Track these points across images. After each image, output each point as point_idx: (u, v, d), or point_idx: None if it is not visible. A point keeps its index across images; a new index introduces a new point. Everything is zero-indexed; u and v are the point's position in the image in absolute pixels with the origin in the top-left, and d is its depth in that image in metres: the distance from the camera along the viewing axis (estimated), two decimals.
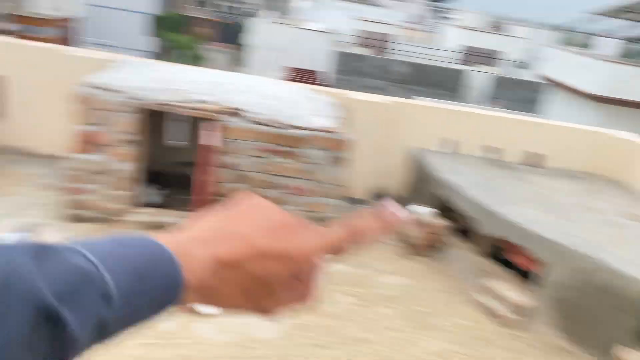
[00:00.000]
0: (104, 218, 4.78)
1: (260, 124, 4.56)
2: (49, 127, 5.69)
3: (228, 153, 4.60)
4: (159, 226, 4.79)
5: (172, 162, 5.91)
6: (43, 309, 0.34)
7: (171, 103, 4.49)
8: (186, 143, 5.81)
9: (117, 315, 0.39)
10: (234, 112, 4.54)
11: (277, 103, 4.95)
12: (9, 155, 5.86)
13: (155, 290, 0.42)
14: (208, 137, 4.26)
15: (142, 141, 4.67)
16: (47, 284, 0.35)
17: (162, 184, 5.50)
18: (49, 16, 37.24)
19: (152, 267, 0.42)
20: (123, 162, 4.61)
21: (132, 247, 0.43)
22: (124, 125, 4.51)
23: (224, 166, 4.61)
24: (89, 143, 4.55)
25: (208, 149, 4.07)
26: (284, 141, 4.61)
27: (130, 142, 4.58)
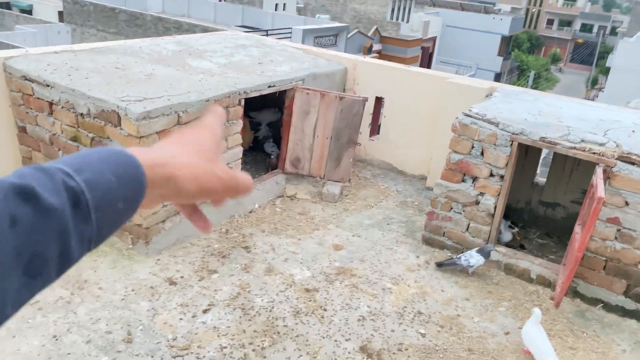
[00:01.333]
0: (457, 248, 4.68)
1: None
2: (414, 149, 5.94)
3: (615, 207, 3.90)
4: (509, 268, 4.43)
5: (532, 200, 5.45)
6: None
7: (549, 140, 4.05)
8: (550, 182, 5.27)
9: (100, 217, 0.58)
10: (627, 158, 3.80)
11: None
12: (375, 169, 6.39)
13: (127, 188, 0.60)
14: (596, 186, 3.66)
15: (510, 177, 4.36)
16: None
17: (516, 222, 5.10)
18: (409, 37, 40.63)
19: (125, 171, 0.61)
20: (489, 196, 4.41)
21: (106, 157, 0.61)
22: (496, 159, 4.29)
23: (610, 221, 3.92)
24: (460, 172, 4.50)
25: (595, 199, 3.48)
26: None
27: (500, 176, 4.33)
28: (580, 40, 67.15)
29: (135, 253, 4.25)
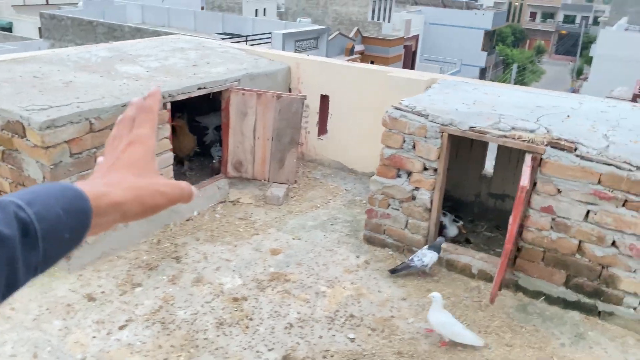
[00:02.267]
0: (398, 246, 4.52)
1: (592, 160, 3.54)
2: (363, 146, 5.78)
3: (548, 195, 3.74)
4: (450, 264, 4.27)
5: (482, 193, 5.29)
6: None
7: (478, 129, 3.89)
8: (498, 173, 5.12)
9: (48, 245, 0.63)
10: (557, 144, 3.65)
11: (627, 134, 3.82)
12: (325, 168, 6.22)
13: (74, 219, 0.65)
14: (524, 173, 3.50)
15: (444, 169, 4.20)
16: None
17: (460, 215, 4.94)
18: (390, 36, 40.61)
19: (72, 204, 0.66)
20: (424, 190, 4.24)
21: (56, 192, 0.66)
22: (428, 152, 4.13)
23: (544, 210, 3.76)
24: (393, 168, 4.33)
25: (519, 188, 3.32)
26: (628, 187, 3.48)
27: (433, 170, 4.17)
28: (563, 32, 67.23)
29: (57, 269, 4.06)
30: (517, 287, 4.08)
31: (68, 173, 3.83)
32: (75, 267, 4.08)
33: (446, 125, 4.03)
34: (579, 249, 3.76)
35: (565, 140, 3.67)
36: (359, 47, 38.33)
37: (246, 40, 25.18)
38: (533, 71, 58.21)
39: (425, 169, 4.21)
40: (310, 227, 4.97)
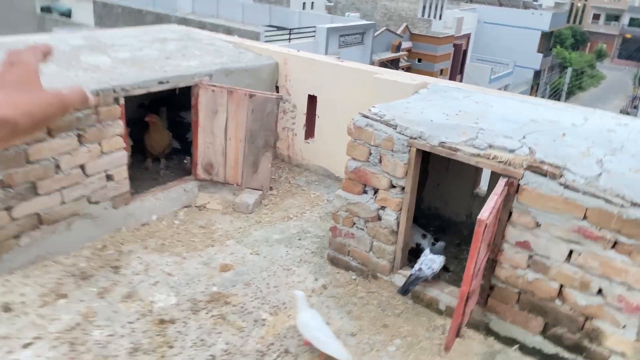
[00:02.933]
0: (362, 270, 4.00)
1: (578, 191, 2.92)
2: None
3: (524, 228, 3.14)
4: (416, 296, 3.71)
5: (473, 213, 4.68)
6: None
7: (449, 145, 3.32)
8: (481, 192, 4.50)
9: None
10: (538, 168, 3.04)
11: (628, 161, 3.16)
12: (311, 175, 5.74)
13: None
14: (491, 200, 2.92)
15: (413, 188, 3.64)
16: None
17: (448, 238, 4.37)
18: (440, 34, 39.42)
19: None
20: (390, 210, 3.70)
21: None
22: (394, 167, 3.59)
23: (520, 246, 3.17)
24: (359, 183, 3.81)
25: (481, 220, 2.75)
26: (618, 226, 2.84)
27: (401, 188, 3.62)
28: (628, 35, 63.50)
29: None
30: (488, 331, 3.49)
31: None
32: (3, 271, 3.78)
33: (414, 138, 3.48)
34: (560, 294, 3.14)
35: (549, 164, 3.05)
36: (406, 44, 37.38)
37: (289, 34, 24.82)
38: (592, 76, 55.28)
39: (393, 186, 3.67)
40: (275, 240, 4.51)
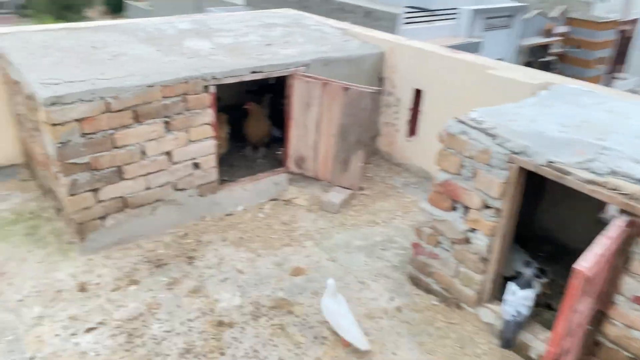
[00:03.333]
0: (445, 297, 3.52)
1: None
2: None
3: None
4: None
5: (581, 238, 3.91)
6: None
7: (558, 167, 2.71)
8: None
9: None
10: None
11: None
12: (410, 176, 5.26)
13: None
14: (599, 245, 2.31)
15: (512, 211, 3.08)
16: None
17: (544, 269, 3.70)
18: (601, 18, 35.43)
19: None
20: (481, 234, 3.18)
21: None
22: (489, 185, 3.05)
23: (637, 301, 2.51)
24: (448, 197, 3.33)
25: (574, 271, 2.17)
26: None
27: (496, 210, 3.08)
28: None
29: (74, 249, 3.94)
30: None
31: (79, 153, 3.61)
32: (88, 250, 3.91)
33: (516, 153, 2.90)
34: None
35: None
36: (561, 29, 34.08)
37: (429, 15, 23.74)
38: None
39: (487, 206, 3.13)
40: (355, 247, 4.17)
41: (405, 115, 5.16)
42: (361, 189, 4.87)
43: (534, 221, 4.19)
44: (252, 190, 4.69)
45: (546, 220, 4.20)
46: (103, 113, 3.62)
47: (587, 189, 2.63)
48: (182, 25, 5.24)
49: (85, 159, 3.66)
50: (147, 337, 3.20)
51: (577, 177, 2.66)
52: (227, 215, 4.52)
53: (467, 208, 3.24)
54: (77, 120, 3.53)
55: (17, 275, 3.68)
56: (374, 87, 4.37)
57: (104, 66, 3.94)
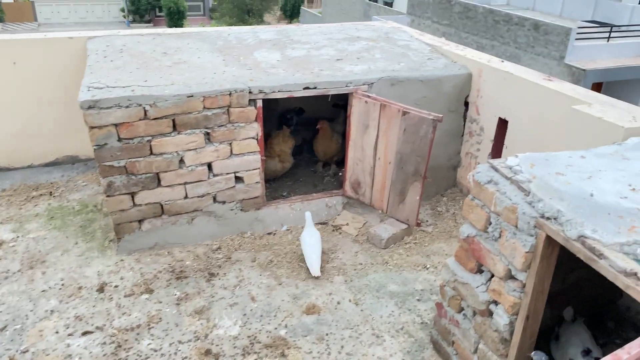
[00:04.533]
0: None
1: None
2: None
3: None
4: None
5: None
6: None
7: (590, 244, 2.03)
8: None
9: None
10: None
11: None
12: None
13: None
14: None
15: (540, 288, 2.42)
16: None
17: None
18: None
19: None
20: (502, 311, 2.56)
21: None
22: (512, 252, 2.43)
23: None
24: (471, 256, 2.75)
25: None
26: None
27: (521, 284, 2.45)
28: None
29: (111, 248, 4.07)
30: None
31: (116, 157, 3.69)
32: (122, 251, 4.00)
33: (547, 218, 2.25)
34: None
35: None
36: None
37: (610, 31, 21.14)
38: None
39: (512, 277, 2.50)
40: (388, 292, 3.69)
41: (487, 147, 4.48)
42: (419, 225, 4.33)
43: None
44: (301, 210, 4.43)
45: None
46: (140, 120, 3.65)
47: (619, 280, 1.92)
48: (264, 35, 5.17)
49: (122, 163, 3.73)
50: (133, 352, 3.13)
51: (609, 261, 1.96)
52: (268, 234, 4.33)
53: (492, 274, 2.63)
54: (114, 124, 3.60)
55: (54, 265, 3.88)
56: (435, 114, 3.83)
57: (157, 73, 3.99)
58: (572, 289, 3.07)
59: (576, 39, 19.12)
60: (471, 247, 2.72)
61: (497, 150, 4.41)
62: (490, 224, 2.59)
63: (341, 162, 5.19)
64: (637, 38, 21.61)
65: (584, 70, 18.02)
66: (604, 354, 2.66)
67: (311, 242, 3.86)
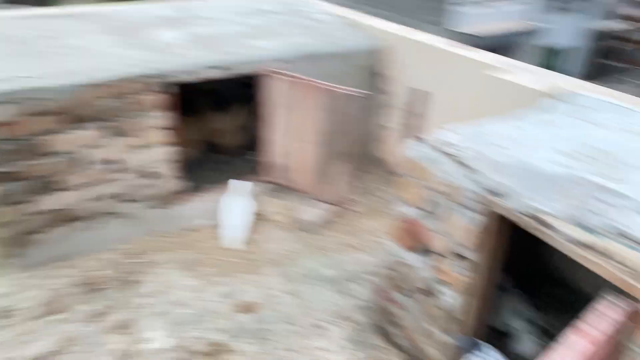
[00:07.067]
0: (411, 353, 2.86)
1: None
2: None
3: None
4: None
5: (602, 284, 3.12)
6: None
7: (541, 217, 1.98)
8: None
9: None
10: None
11: None
12: None
13: None
14: (592, 339, 1.60)
15: (489, 266, 2.37)
16: None
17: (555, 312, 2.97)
18: None
19: None
20: (450, 290, 2.49)
21: None
22: (457, 231, 2.35)
23: None
24: (410, 236, 2.65)
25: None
26: None
27: (470, 262, 2.38)
28: None
29: (11, 264, 3.55)
30: None
31: (2, 160, 3.17)
32: (29, 265, 3.51)
33: (495, 194, 2.19)
34: None
35: None
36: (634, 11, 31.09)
37: None
38: None
39: (459, 255, 2.43)
40: (323, 279, 3.55)
41: (404, 118, 4.43)
42: (347, 205, 4.22)
43: (550, 262, 3.42)
44: (219, 201, 4.14)
45: (561, 259, 3.42)
46: (28, 116, 3.16)
47: (575, 253, 1.89)
48: (160, 12, 4.71)
49: (11, 167, 3.22)
50: None
51: (563, 235, 1.92)
52: (186, 230, 4.00)
53: (435, 253, 2.56)
54: None
55: None
56: (363, 90, 3.68)
57: (40, 61, 3.48)
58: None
59: (454, 3, 19.76)
60: (410, 226, 2.63)
61: (416, 121, 4.37)
62: (429, 202, 2.50)
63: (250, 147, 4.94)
64: (520, 4, 22.87)
65: (470, 35, 18.75)
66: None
67: (232, 212, 3.86)
